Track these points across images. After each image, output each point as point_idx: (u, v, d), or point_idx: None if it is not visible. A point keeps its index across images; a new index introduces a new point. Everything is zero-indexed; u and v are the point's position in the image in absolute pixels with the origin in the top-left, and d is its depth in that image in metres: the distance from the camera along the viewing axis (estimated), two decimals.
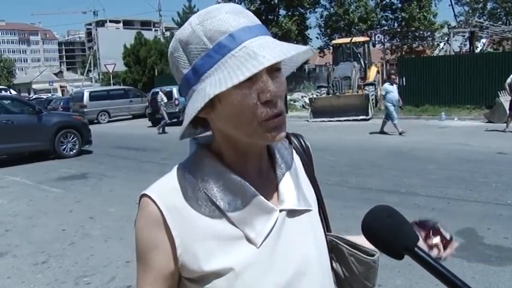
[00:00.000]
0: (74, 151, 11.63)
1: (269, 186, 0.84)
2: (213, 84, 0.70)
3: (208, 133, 0.86)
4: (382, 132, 12.21)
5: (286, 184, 0.85)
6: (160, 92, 17.33)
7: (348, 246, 0.97)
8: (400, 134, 11.70)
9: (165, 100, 17.10)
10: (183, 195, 0.79)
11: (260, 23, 0.76)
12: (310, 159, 0.98)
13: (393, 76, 12.14)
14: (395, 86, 12.04)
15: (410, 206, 5.53)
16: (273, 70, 0.73)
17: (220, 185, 0.79)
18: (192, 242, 0.77)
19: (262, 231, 0.79)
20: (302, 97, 23.07)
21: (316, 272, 0.84)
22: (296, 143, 0.97)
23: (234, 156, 0.82)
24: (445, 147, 9.64)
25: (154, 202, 0.78)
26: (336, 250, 0.97)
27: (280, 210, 0.82)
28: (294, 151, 0.94)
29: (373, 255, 0.97)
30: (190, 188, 0.80)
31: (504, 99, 13.02)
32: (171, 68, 0.81)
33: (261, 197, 0.80)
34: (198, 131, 0.87)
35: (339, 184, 6.98)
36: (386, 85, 12.02)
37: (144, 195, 0.80)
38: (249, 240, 0.78)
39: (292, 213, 0.84)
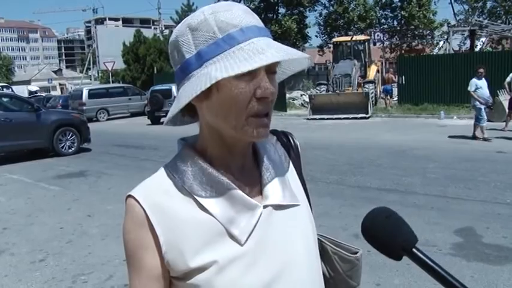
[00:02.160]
0: (73, 149, 11.61)
1: (253, 183, 0.84)
2: (219, 69, 0.72)
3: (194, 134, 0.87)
4: (475, 137, 10.43)
5: (270, 180, 0.85)
6: None
7: (331, 245, 0.99)
8: (485, 139, 10.10)
9: None
10: (167, 194, 0.80)
11: (265, 27, 0.80)
12: (298, 158, 0.97)
13: (481, 70, 10.22)
14: (484, 81, 10.22)
15: (410, 205, 5.52)
16: (270, 72, 0.77)
17: (203, 184, 0.80)
18: (177, 240, 0.78)
19: (245, 228, 0.79)
20: (301, 95, 23.08)
21: (303, 269, 0.84)
22: (285, 140, 0.97)
23: (219, 152, 0.83)
24: (445, 146, 9.65)
25: (139, 202, 0.79)
26: (320, 248, 0.97)
27: (265, 206, 0.82)
28: (282, 148, 0.94)
29: (356, 253, 0.98)
30: (174, 187, 0.81)
31: (503, 98, 13.02)
32: (171, 53, 0.81)
33: (244, 194, 0.80)
34: (184, 119, 0.88)
35: (338, 182, 6.97)
36: (475, 80, 10.24)
37: (129, 196, 0.81)
38: (232, 237, 0.78)
39: (278, 208, 0.84)
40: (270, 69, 0.76)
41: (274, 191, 0.84)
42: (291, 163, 0.94)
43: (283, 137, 0.98)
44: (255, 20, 0.77)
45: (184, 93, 0.76)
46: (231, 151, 0.83)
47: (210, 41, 0.74)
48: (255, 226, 0.80)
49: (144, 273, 0.80)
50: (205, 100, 0.77)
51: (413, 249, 0.73)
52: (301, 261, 0.83)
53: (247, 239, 0.78)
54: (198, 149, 0.85)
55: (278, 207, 0.83)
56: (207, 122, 0.81)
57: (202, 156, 0.83)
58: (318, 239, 0.96)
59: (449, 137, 11.02)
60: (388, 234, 0.75)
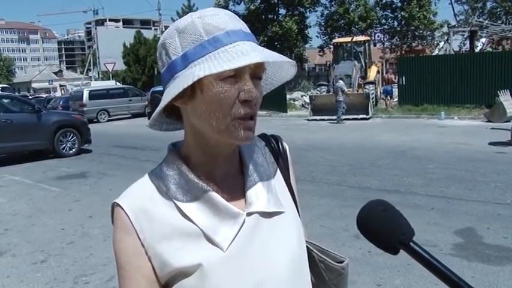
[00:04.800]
0: (74, 150, 11.61)
1: (237, 189, 0.84)
2: (202, 69, 0.72)
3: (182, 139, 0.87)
4: None
5: (255, 187, 0.84)
6: (340, 81, 16.01)
7: (318, 252, 0.97)
8: None
9: (345, 89, 15.74)
10: (151, 200, 0.81)
11: (251, 33, 0.81)
12: (286, 163, 0.96)
13: None
14: None
15: (410, 206, 5.53)
16: (255, 77, 0.77)
17: (185, 191, 0.80)
18: (159, 246, 0.78)
19: (228, 236, 0.79)
20: (302, 96, 23.09)
21: (287, 278, 0.82)
22: (273, 145, 0.96)
23: (202, 158, 0.83)
24: (445, 147, 9.65)
25: (124, 210, 0.80)
26: (308, 255, 0.95)
27: (249, 214, 0.81)
28: (270, 154, 0.94)
29: (341, 262, 0.97)
30: (158, 193, 0.81)
31: (504, 98, 13.03)
32: (159, 55, 0.82)
33: (226, 202, 0.80)
34: (169, 120, 0.88)
35: (339, 183, 6.98)
36: None
37: (117, 205, 0.82)
38: (214, 244, 0.78)
39: (262, 215, 0.83)
40: (255, 74, 0.76)
41: (258, 198, 0.83)
42: (278, 169, 0.92)
43: (272, 141, 0.96)
44: (241, 25, 0.78)
45: (168, 92, 0.76)
46: (215, 156, 0.83)
47: (196, 43, 0.75)
48: (237, 233, 0.79)
49: (143, 279, 0.79)
50: (190, 102, 0.77)
51: (411, 243, 0.72)
52: (284, 270, 0.82)
53: (229, 246, 0.78)
54: (182, 155, 0.85)
55: (263, 214, 0.83)
56: (192, 125, 0.81)
57: (186, 161, 0.83)
58: (306, 245, 0.95)
59: (490, 143, 9.64)
60: (386, 228, 0.73)
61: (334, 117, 15.49)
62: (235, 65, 0.70)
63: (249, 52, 0.73)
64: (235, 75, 0.74)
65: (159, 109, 0.79)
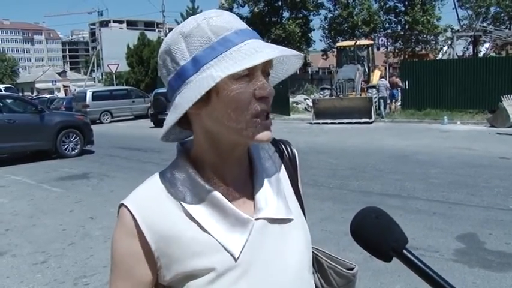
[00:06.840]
0: (76, 151, 11.63)
1: (246, 194, 0.83)
2: (220, 70, 0.71)
3: (191, 138, 0.86)
4: None
5: (264, 192, 0.83)
6: (383, 79, 17.09)
7: (327, 259, 0.97)
8: None
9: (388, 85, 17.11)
10: (158, 202, 0.80)
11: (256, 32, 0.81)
12: (295, 169, 0.95)
13: None
14: None
15: (412, 210, 5.51)
16: (265, 74, 0.77)
17: (194, 195, 0.80)
18: (168, 247, 0.78)
19: (237, 243, 0.78)
20: (305, 99, 23.08)
21: (295, 284, 0.82)
22: (282, 150, 0.96)
23: (214, 161, 0.82)
24: (448, 152, 9.62)
25: (130, 211, 0.79)
26: (316, 263, 0.96)
27: (257, 219, 0.81)
28: (279, 159, 0.93)
29: (352, 269, 0.97)
30: (166, 196, 0.80)
31: (507, 103, 13.00)
32: (162, 63, 0.80)
33: (235, 208, 0.79)
34: (181, 130, 0.86)
35: (340, 187, 6.96)
36: None
37: (122, 205, 0.81)
38: (226, 250, 0.77)
39: (271, 222, 0.82)
40: (265, 71, 0.77)
41: (267, 203, 0.83)
42: (286, 174, 0.92)
43: (281, 147, 0.96)
44: (245, 25, 0.78)
45: (184, 100, 0.74)
46: (227, 159, 0.82)
47: (205, 46, 0.74)
48: (247, 240, 0.79)
49: (132, 280, 0.80)
50: (205, 106, 0.75)
51: (404, 251, 0.71)
52: (291, 278, 0.82)
53: (240, 253, 0.78)
54: (192, 157, 0.84)
55: (271, 220, 0.82)
56: (207, 130, 0.80)
57: (196, 164, 0.82)
58: (314, 252, 0.95)
59: None
60: (378, 235, 0.73)
61: (337, 121, 15.47)
62: (253, 62, 0.70)
63: (262, 48, 0.73)
64: (248, 73, 0.74)
65: (176, 118, 0.75)
